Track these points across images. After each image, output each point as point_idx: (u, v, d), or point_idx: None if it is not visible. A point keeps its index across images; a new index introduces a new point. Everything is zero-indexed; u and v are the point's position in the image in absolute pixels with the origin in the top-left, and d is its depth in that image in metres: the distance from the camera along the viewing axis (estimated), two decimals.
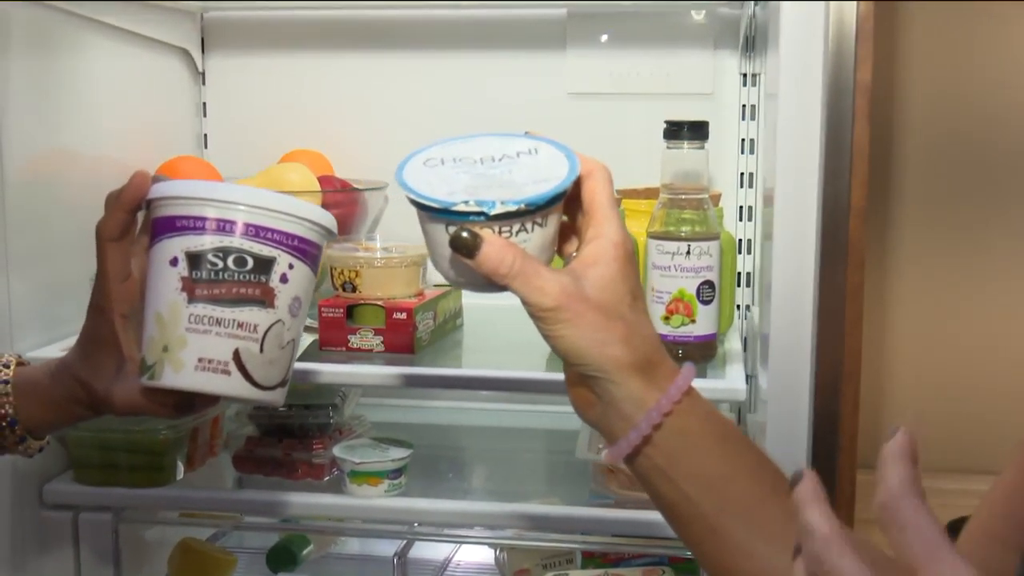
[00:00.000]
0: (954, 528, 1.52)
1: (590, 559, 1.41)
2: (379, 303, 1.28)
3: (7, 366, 0.85)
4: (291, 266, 0.75)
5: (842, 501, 1.02)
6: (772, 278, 1.07)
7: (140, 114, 1.54)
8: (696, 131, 1.25)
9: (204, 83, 1.68)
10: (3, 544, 1.24)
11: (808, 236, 1.04)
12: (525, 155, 0.73)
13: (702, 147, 1.26)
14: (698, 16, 1.58)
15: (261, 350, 0.75)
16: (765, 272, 1.12)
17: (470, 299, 1.45)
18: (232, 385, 0.75)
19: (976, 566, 0.62)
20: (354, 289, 1.30)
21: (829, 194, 1.01)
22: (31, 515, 1.27)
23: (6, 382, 0.84)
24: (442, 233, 0.68)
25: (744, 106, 1.57)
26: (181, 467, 1.31)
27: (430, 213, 0.68)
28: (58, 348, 1.27)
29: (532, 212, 0.67)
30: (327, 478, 1.32)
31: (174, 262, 0.74)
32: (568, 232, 0.72)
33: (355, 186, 1.49)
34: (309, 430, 1.33)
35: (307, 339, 1.28)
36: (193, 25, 1.65)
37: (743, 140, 1.57)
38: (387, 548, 1.51)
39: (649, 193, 1.41)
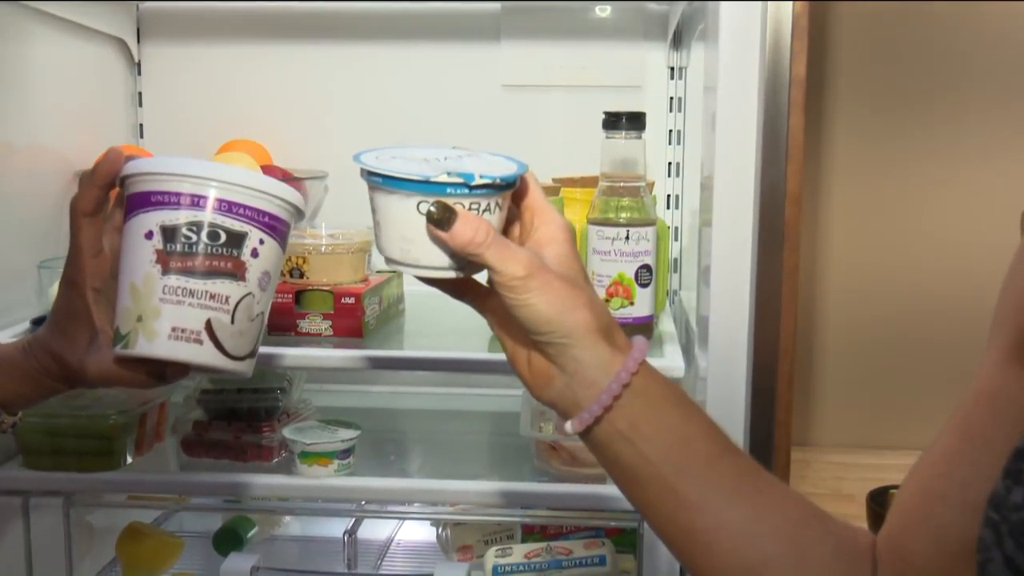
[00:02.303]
0: (877, 497, 1.61)
1: (530, 534, 1.46)
2: (327, 289, 1.31)
3: None
4: (261, 241, 0.78)
5: (778, 474, 1.08)
6: (712, 261, 1.12)
7: (76, 104, 1.55)
8: (634, 122, 1.30)
9: (140, 73, 1.68)
10: None
11: (745, 221, 1.10)
12: (466, 156, 0.77)
13: (639, 137, 1.31)
14: (627, 12, 1.63)
15: (232, 321, 0.77)
16: (703, 256, 1.17)
17: (411, 286, 1.48)
18: (204, 354, 0.77)
19: (919, 524, 0.70)
20: (302, 275, 1.33)
21: (766, 182, 1.07)
22: None
23: None
24: (410, 212, 0.71)
25: (672, 98, 1.63)
26: (129, 452, 1.33)
27: (404, 190, 0.71)
28: (7, 335, 1.27)
29: (501, 190, 0.72)
30: (275, 460, 1.34)
31: (149, 235, 0.76)
32: (511, 222, 0.77)
33: (297, 175, 1.51)
34: (257, 413, 1.35)
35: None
36: (129, 15, 1.65)
37: (670, 131, 1.63)
38: (331, 529, 1.55)
39: (584, 182, 1.46)
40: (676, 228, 1.62)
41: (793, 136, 1.04)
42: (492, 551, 1.35)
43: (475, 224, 0.69)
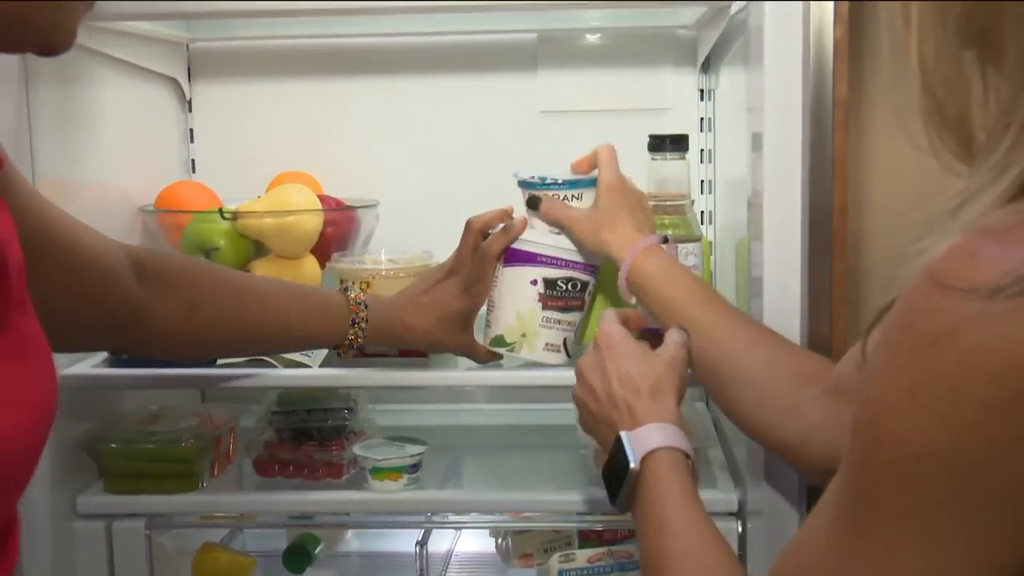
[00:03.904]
0: None
1: (587, 540, 1.51)
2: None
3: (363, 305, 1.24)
4: (592, 284, 1.26)
5: None
6: (763, 273, 1.19)
7: (135, 141, 1.61)
8: (678, 143, 1.38)
9: (191, 110, 1.75)
10: (42, 556, 1.30)
11: (794, 234, 1.17)
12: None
13: (683, 158, 1.39)
14: (657, 39, 1.70)
15: (575, 336, 1.26)
16: (753, 268, 1.24)
17: None
18: (560, 358, 1.25)
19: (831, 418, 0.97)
20: None
21: (815, 196, 1.14)
22: (66, 526, 1.34)
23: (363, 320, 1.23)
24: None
25: (702, 119, 1.71)
26: (206, 474, 1.39)
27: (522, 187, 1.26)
28: (87, 365, 1.34)
29: (569, 187, 1.23)
30: (345, 477, 1.40)
31: (534, 282, 1.23)
32: None
33: (350, 204, 1.58)
34: (327, 433, 1.41)
35: (322, 351, 1.36)
36: (181, 55, 1.72)
37: (701, 150, 1.70)
38: (391, 544, 1.61)
39: None
40: (709, 243, 1.68)
41: (838, 153, 1.11)
42: (556, 557, 1.41)
43: (550, 202, 1.23)
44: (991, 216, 0.57)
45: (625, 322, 1.07)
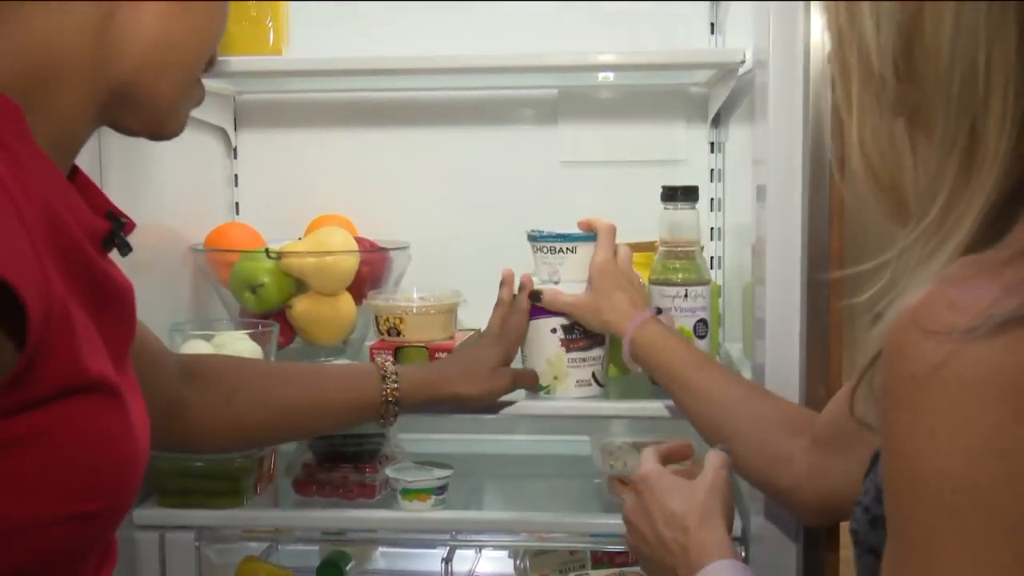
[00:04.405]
0: None
1: (599, 564, 1.62)
2: (422, 345, 1.49)
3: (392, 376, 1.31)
4: None
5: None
6: (765, 315, 1.30)
7: (185, 186, 1.74)
8: (689, 194, 1.50)
9: (236, 157, 1.89)
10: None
11: (794, 278, 1.28)
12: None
13: (693, 207, 1.51)
14: (671, 96, 1.83)
15: (602, 367, 1.43)
16: (756, 310, 1.35)
17: None
18: (592, 391, 1.43)
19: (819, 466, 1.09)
20: (399, 333, 1.51)
21: (813, 244, 1.25)
22: (125, 536, 1.45)
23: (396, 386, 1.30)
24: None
25: (712, 170, 1.83)
26: (250, 492, 1.50)
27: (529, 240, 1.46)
28: None
29: (564, 240, 1.40)
30: (377, 497, 1.52)
31: (554, 331, 1.40)
32: None
33: (383, 246, 1.71)
34: (361, 456, 1.53)
35: None
36: (228, 106, 1.86)
37: (712, 199, 1.82)
38: (417, 563, 1.72)
39: (638, 247, 1.64)
40: (718, 286, 1.80)
41: (835, 204, 1.23)
42: None
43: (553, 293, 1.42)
44: (947, 269, 0.66)
45: (667, 457, 1.13)
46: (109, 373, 0.81)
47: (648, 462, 1.10)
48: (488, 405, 1.40)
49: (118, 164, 1.46)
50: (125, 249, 0.94)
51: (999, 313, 0.59)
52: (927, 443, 0.61)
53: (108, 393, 0.81)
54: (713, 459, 1.07)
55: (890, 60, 0.72)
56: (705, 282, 1.49)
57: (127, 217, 0.95)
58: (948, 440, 0.60)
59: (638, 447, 1.55)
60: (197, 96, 0.97)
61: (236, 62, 1.51)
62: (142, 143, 1.55)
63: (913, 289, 0.65)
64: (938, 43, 0.69)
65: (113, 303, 0.87)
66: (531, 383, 1.43)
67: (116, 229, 0.91)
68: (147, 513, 1.46)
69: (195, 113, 1.69)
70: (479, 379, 1.36)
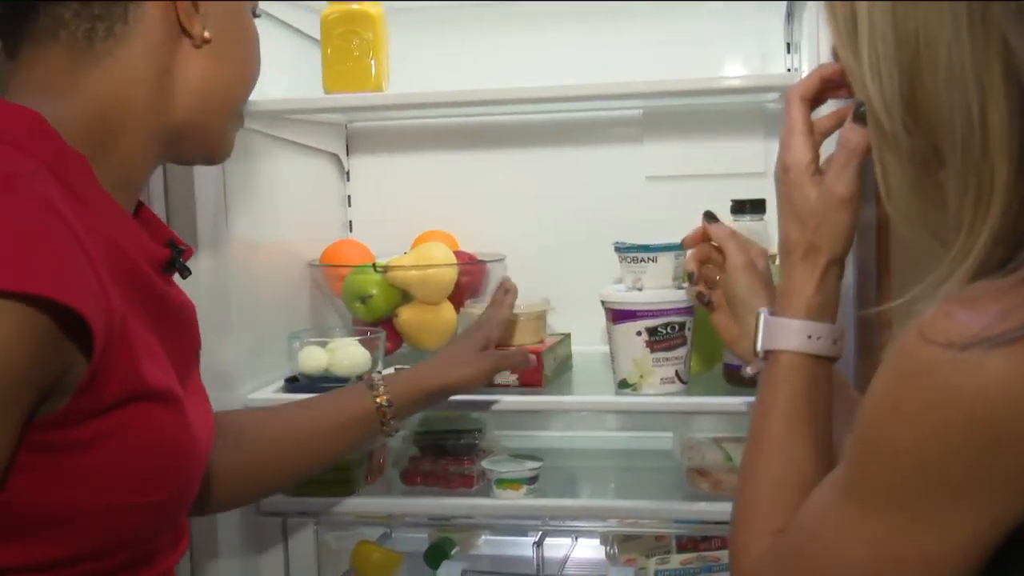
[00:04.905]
0: None
1: (684, 549, 1.74)
2: (514, 349, 1.64)
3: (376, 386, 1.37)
4: (690, 320, 1.52)
5: None
6: None
7: (302, 207, 1.93)
8: (756, 206, 1.61)
9: (349, 179, 2.07)
10: (232, 545, 1.60)
11: (847, 283, 1.39)
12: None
13: (761, 219, 1.61)
14: (751, 112, 1.93)
15: (684, 366, 1.53)
16: None
17: (577, 346, 1.81)
18: (676, 388, 1.52)
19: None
20: None
21: (861, 249, 1.36)
22: (251, 521, 1.64)
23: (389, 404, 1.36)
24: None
25: None
26: (361, 482, 1.67)
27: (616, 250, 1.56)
28: (268, 391, 1.64)
29: (644, 251, 1.51)
30: (475, 487, 1.67)
31: (639, 333, 1.50)
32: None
33: (482, 259, 1.86)
34: (460, 450, 1.68)
35: None
36: (340, 134, 2.05)
37: None
38: (517, 549, 1.87)
39: None
40: None
41: (883, 217, 1.33)
42: (653, 560, 1.65)
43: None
44: (966, 289, 0.75)
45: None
46: (167, 382, 0.95)
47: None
48: (475, 388, 1.47)
49: (241, 189, 1.65)
50: (185, 272, 1.09)
51: (990, 336, 0.69)
52: (889, 414, 0.74)
53: (167, 400, 0.94)
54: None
55: (899, 118, 0.79)
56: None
57: (186, 245, 1.10)
58: (906, 419, 0.73)
59: (718, 442, 1.67)
60: (240, 124, 1.14)
61: (345, 98, 1.69)
62: (264, 171, 1.76)
63: (928, 303, 0.74)
64: (935, 94, 0.77)
65: (175, 320, 1.02)
66: (516, 362, 1.53)
67: (176, 255, 1.06)
68: (271, 500, 1.63)
69: (311, 141, 1.94)
70: (463, 364, 1.44)
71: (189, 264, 1.09)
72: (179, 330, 1.03)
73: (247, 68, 1.12)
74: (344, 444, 1.39)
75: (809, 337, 1.00)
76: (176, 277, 1.09)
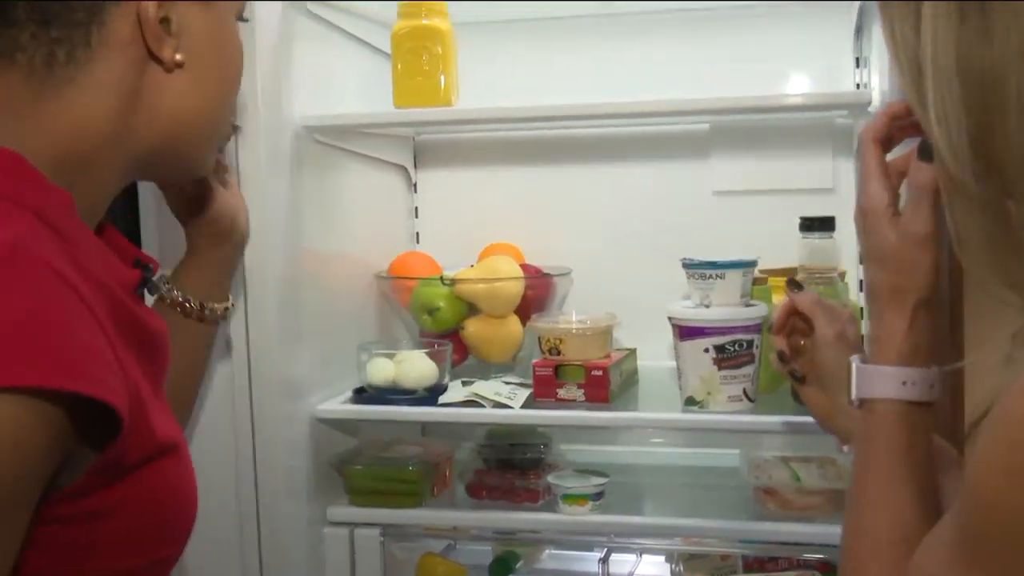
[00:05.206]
0: None
1: (750, 570, 1.73)
2: (580, 363, 1.64)
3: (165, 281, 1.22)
4: (758, 338, 1.53)
5: None
6: None
7: (371, 218, 1.95)
8: (825, 224, 1.59)
9: (416, 191, 2.09)
10: (300, 555, 1.62)
11: None
12: None
13: (830, 236, 1.60)
14: (819, 127, 1.92)
15: (752, 384, 1.52)
16: None
17: (642, 360, 1.81)
18: (743, 406, 1.53)
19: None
20: (559, 353, 1.66)
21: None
22: (319, 532, 1.66)
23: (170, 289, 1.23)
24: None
25: None
26: (428, 494, 1.69)
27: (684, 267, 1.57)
28: (337, 401, 1.66)
29: (712, 268, 1.50)
30: (541, 502, 1.67)
31: (707, 350, 1.50)
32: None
33: (547, 272, 1.87)
34: (526, 464, 1.69)
35: (524, 392, 1.64)
36: (408, 147, 2.06)
37: None
38: (581, 565, 1.86)
39: (785, 272, 1.75)
40: (861, 309, 1.88)
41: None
42: None
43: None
44: None
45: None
46: (170, 430, 0.92)
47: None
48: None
49: (311, 201, 1.67)
50: (154, 290, 1.06)
51: None
52: (1004, 479, 0.69)
53: (175, 450, 0.92)
54: None
55: (968, 164, 0.75)
56: (844, 305, 1.59)
57: (153, 260, 1.06)
58: (1020, 485, 0.68)
59: (785, 461, 1.66)
60: (226, 137, 1.12)
61: (416, 113, 1.71)
62: (333, 183, 1.78)
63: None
64: (1006, 138, 0.72)
65: (151, 344, 0.97)
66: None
67: (147, 275, 1.02)
68: (339, 511, 1.66)
69: (379, 154, 1.96)
70: (212, 237, 1.30)
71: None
72: (153, 353, 0.98)
73: (225, 87, 1.04)
74: (196, 360, 1.31)
75: (904, 383, 0.95)
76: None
